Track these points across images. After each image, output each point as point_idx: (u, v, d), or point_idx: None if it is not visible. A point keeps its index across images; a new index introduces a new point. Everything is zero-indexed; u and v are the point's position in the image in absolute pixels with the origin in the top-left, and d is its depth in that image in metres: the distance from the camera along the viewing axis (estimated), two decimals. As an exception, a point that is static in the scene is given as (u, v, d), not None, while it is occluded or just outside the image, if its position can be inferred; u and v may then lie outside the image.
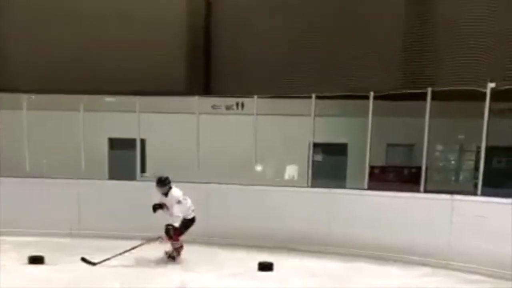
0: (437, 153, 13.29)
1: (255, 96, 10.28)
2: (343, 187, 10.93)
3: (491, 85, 7.97)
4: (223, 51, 13.15)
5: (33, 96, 11.36)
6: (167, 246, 8.52)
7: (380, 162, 12.17)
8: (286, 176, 13.41)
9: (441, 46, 9.45)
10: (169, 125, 12.28)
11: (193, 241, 8.82)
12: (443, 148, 13.42)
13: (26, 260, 8.06)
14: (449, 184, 12.85)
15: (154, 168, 12.09)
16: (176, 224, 8.10)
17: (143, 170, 11.89)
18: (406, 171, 12.07)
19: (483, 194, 8.07)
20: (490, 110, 8.00)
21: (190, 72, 13.52)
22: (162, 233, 8.14)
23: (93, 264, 7.90)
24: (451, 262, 8.20)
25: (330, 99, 10.35)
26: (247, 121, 10.57)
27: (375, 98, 9.24)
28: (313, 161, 10.28)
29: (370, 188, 9.35)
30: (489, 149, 8.21)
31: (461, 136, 12.77)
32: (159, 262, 8.41)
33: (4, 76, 13.47)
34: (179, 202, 8.23)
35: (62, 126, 12.42)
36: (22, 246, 8.89)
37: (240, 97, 12.09)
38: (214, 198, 9.31)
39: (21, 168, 10.70)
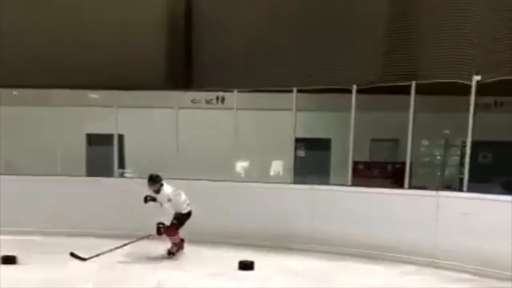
0: (422, 148, 13.15)
1: (235, 91, 10.16)
2: (327, 183, 10.78)
3: (477, 78, 7.82)
4: (203, 44, 12.93)
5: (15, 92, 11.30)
6: (168, 244, 8.56)
7: (364, 157, 12.00)
8: (272, 172, 13.19)
9: (425, 38, 9.25)
10: (148, 120, 12.01)
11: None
12: (428, 143, 13.29)
13: (-2, 260, 7.79)
14: (435, 179, 12.70)
15: (133, 164, 11.97)
16: (167, 223, 8.17)
17: (121, 166, 11.73)
18: (390, 167, 11.91)
19: (469, 189, 7.92)
20: (476, 104, 7.85)
21: (170, 66, 13.26)
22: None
23: (84, 259, 7.86)
24: (436, 260, 8.07)
25: (313, 93, 10.13)
26: (228, 115, 10.39)
27: (358, 92, 9.07)
28: (295, 156, 10.09)
29: (353, 184, 9.19)
30: (474, 144, 8.07)
31: (446, 131, 12.65)
32: (141, 260, 8.32)
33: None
34: (169, 200, 8.32)
35: (38, 122, 12.06)
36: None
37: (220, 91, 11.85)
38: (194, 194, 9.05)
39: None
